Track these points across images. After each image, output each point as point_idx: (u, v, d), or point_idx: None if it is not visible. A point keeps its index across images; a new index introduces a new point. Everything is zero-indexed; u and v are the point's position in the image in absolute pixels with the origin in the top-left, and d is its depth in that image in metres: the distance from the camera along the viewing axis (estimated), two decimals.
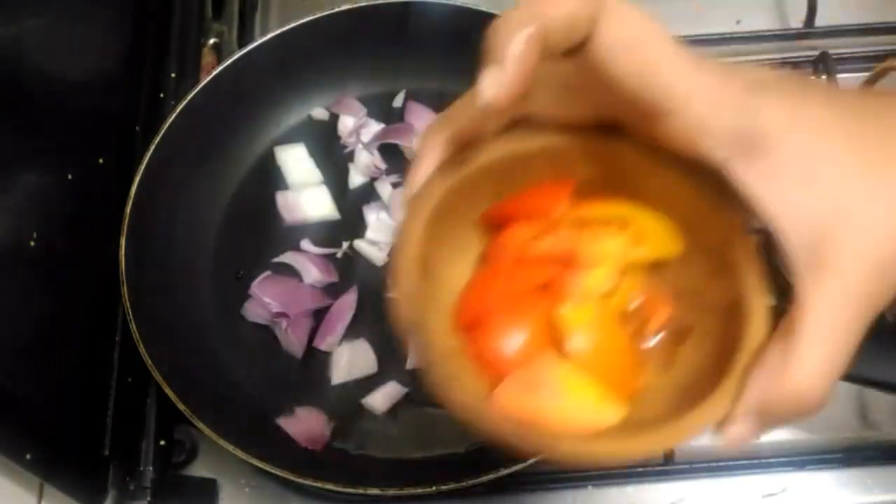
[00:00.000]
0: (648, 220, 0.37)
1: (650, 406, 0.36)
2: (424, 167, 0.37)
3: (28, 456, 0.53)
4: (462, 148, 0.37)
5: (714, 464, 0.63)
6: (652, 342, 0.38)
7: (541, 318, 0.36)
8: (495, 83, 0.32)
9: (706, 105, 0.33)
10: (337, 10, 0.72)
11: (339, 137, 0.76)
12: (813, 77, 0.36)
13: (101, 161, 0.66)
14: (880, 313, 0.35)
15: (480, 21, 0.69)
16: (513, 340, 0.36)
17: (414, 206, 0.36)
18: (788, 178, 0.32)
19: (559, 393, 0.34)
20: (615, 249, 0.37)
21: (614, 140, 0.37)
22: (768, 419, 0.34)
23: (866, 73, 0.77)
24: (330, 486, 0.58)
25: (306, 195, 0.73)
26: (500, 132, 0.37)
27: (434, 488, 0.58)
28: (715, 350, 0.36)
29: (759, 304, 0.35)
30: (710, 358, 0.36)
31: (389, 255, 0.34)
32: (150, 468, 0.62)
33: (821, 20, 0.76)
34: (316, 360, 0.67)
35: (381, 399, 0.65)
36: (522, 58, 0.32)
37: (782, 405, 0.33)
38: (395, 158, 0.74)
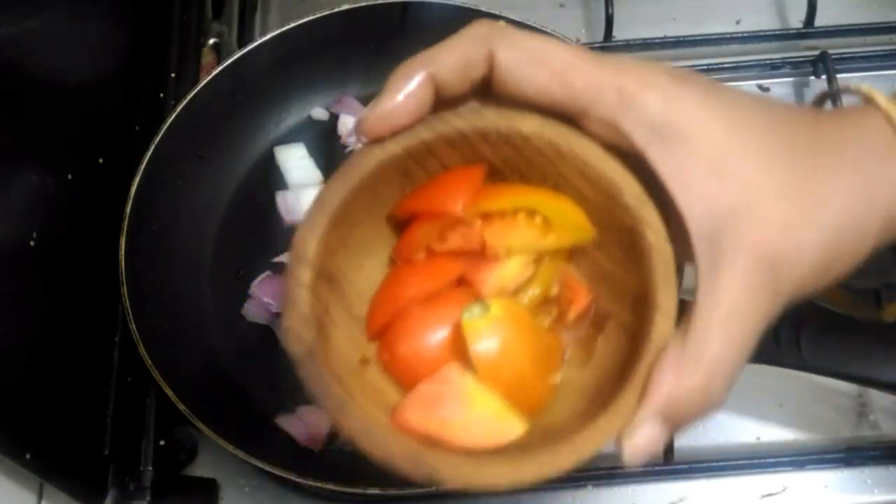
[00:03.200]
0: (557, 206, 0.36)
1: (565, 406, 0.35)
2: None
3: (28, 456, 0.53)
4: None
5: (714, 464, 0.63)
6: (572, 332, 0.37)
7: (452, 318, 0.35)
8: (377, 112, 0.35)
9: (617, 100, 0.33)
10: (337, 9, 0.72)
11: (339, 137, 0.76)
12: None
13: (101, 161, 0.66)
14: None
15: None
16: (423, 345, 0.35)
17: (309, 218, 0.35)
18: (700, 168, 0.33)
19: (461, 407, 0.33)
20: (525, 240, 0.36)
21: (518, 118, 0.35)
22: (672, 421, 0.33)
23: (866, 73, 0.77)
24: (330, 486, 0.58)
25: (306, 195, 0.73)
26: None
27: (434, 488, 0.58)
28: (627, 346, 0.35)
29: (665, 298, 0.33)
30: (622, 355, 0.35)
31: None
32: (150, 468, 0.61)
33: (821, 20, 0.76)
34: None
35: None
36: (409, 95, 0.35)
37: (684, 404, 0.32)
38: None
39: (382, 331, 0.36)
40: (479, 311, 0.34)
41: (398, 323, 0.36)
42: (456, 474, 0.32)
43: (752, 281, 0.32)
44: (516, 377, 0.34)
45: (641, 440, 0.33)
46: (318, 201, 0.35)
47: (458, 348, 0.35)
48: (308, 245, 0.35)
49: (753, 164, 0.33)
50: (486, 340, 0.34)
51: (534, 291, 0.36)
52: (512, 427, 0.34)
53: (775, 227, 0.32)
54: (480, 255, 0.36)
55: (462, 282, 0.36)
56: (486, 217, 0.36)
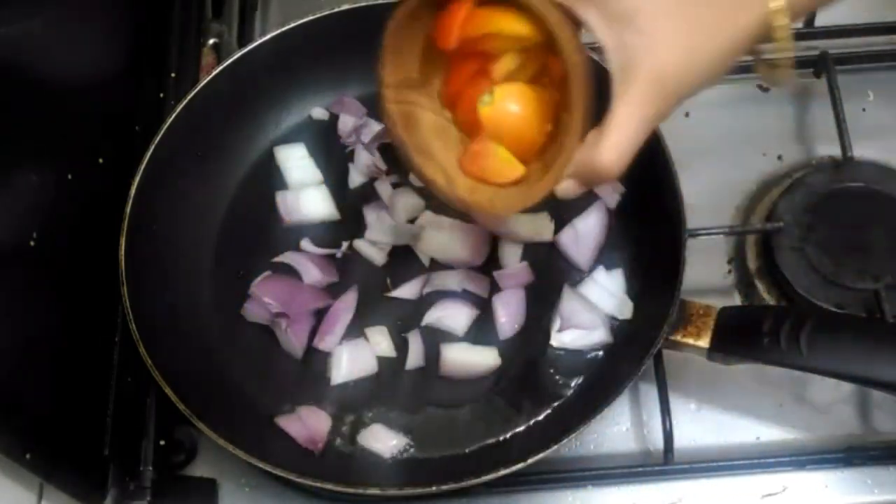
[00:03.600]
0: (508, 21, 0.53)
1: (556, 151, 0.53)
2: None
3: (28, 456, 0.53)
4: None
5: (714, 464, 0.63)
6: (558, 88, 0.54)
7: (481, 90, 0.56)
8: None
9: None
10: (337, 9, 0.72)
11: (339, 137, 0.76)
12: None
13: (101, 161, 0.66)
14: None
15: None
16: (469, 107, 0.55)
17: (379, 55, 0.56)
18: (618, 26, 0.48)
19: (489, 160, 0.55)
20: (505, 41, 0.54)
21: None
22: (585, 179, 0.52)
23: (866, 73, 0.77)
24: (330, 486, 0.58)
25: (306, 195, 0.73)
26: None
27: (434, 488, 0.58)
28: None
29: (576, 72, 0.50)
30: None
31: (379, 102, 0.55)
32: (150, 468, 0.62)
33: (821, 20, 0.76)
34: (316, 360, 0.67)
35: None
36: None
37: (592, 170, 0.51)
38: (395, 158, 0.74)
39: (450, 104, 0.58)
40: (488, 100, 0.54)
41: (457, 95, 0.57)
42: (490, 202, 0.55)
43: (647, 98, 0.49)
44: (518, 136, 0.55)
45: (565, 187, 0.53)
46: (382, 43, 0.55)
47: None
48: (383, 70, 0.56)
49: (658, 21, 0.48)
50: (493, 118, 0.54)
51: (529, 68, 0.55)
52: (516, 170, 0.55)
53: (663, 61, 0.48)
54: (489, 56, 0.55)
55: (483, 72, 0.55)
56: (482, 38, 0.54)
